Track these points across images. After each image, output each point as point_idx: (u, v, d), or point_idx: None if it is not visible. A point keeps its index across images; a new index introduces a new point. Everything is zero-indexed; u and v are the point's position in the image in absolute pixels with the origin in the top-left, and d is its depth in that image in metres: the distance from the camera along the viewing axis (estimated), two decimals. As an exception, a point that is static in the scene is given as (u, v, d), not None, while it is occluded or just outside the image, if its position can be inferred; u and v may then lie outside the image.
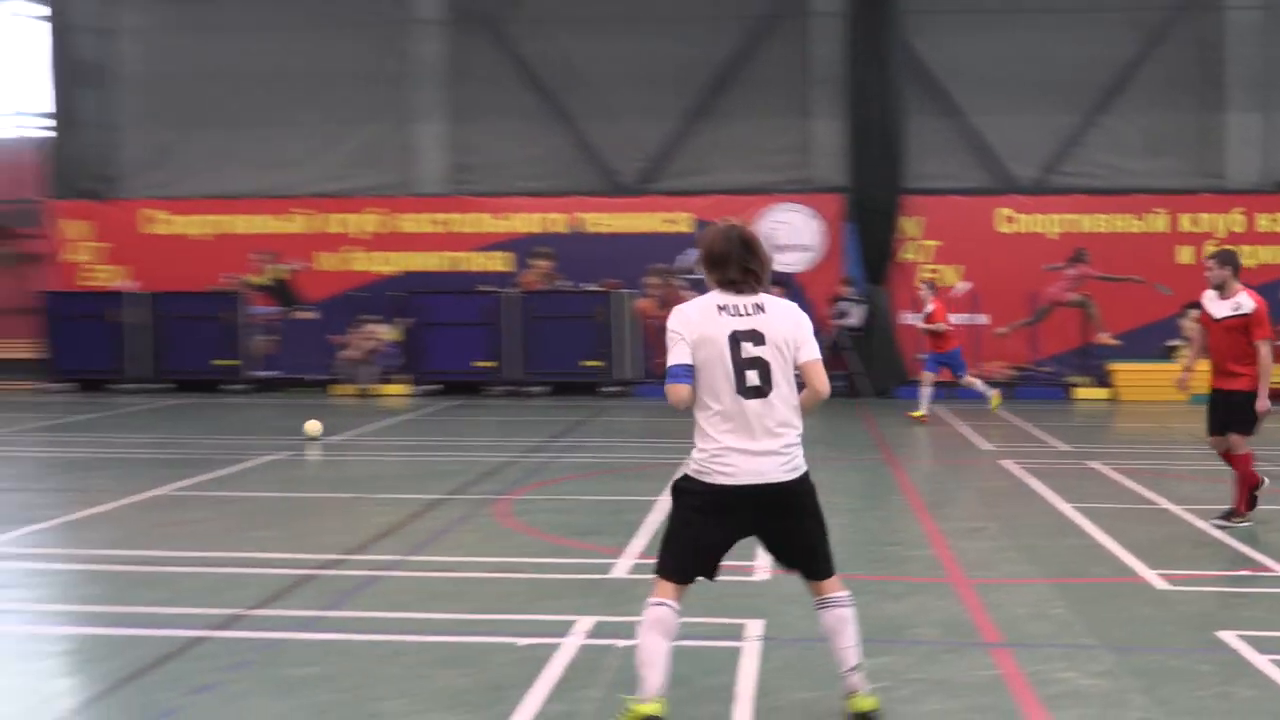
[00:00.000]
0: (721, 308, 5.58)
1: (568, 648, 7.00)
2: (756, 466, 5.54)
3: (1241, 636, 7.24)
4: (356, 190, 25.97)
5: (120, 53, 26.76)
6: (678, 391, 5.54)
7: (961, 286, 24.28)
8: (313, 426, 16.44)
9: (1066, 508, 11.70)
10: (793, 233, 24.52)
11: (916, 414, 19.11)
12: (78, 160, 26.71)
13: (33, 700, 6.28)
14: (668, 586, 5.71)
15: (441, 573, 8.84)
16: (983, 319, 24.31)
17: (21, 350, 26.64)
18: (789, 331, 5.65)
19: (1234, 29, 24.31)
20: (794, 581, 8.58)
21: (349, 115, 25.97)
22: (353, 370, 24.59)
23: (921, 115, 24.60)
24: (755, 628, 7.44)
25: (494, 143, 25.73)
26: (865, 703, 5.73)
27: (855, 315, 23.64)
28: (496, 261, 25.13)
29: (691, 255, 24.44)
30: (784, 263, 24.35)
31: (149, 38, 26.65)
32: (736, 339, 5.52)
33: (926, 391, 19.37)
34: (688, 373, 5.51)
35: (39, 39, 27.13)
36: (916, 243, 24.49)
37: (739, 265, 5.62)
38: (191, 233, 26.14)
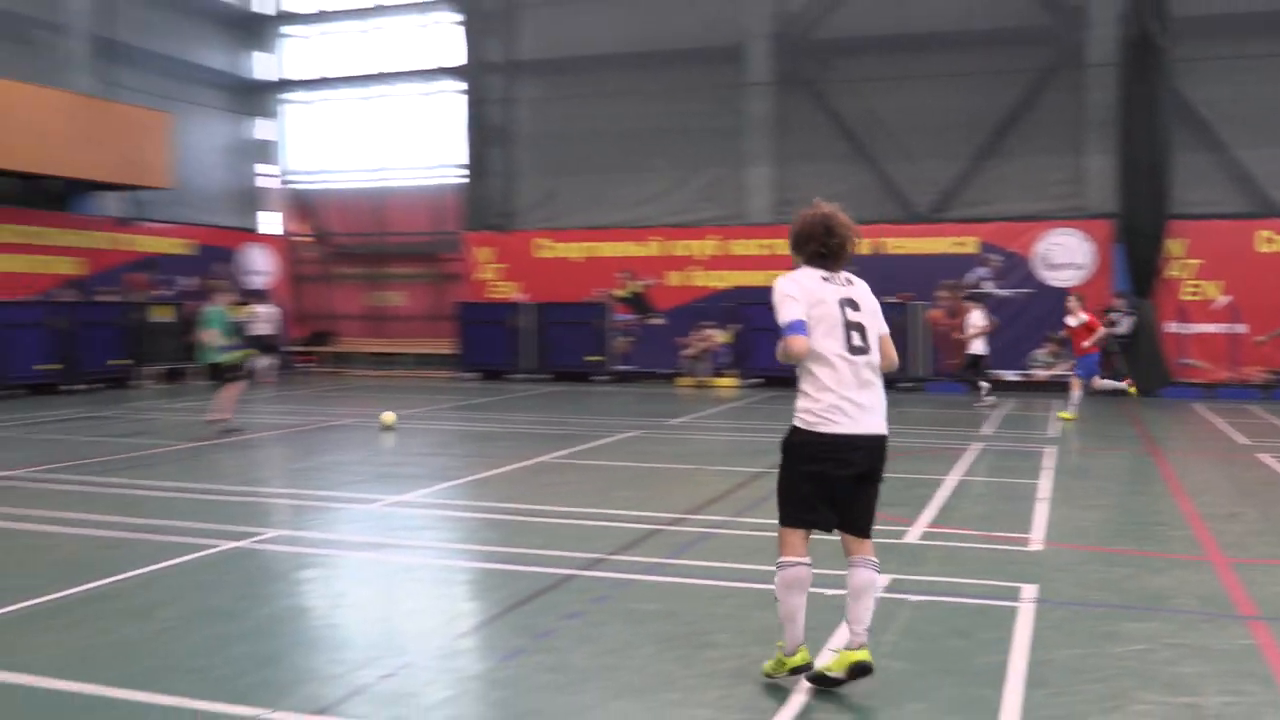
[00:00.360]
0: (825, 279, 5.30)
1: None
2: (866, 418, 5.21)
3: None
4: (699, 221, 26.34)
5: (518, 118, 28.04)
6: (799, 343, 5.11)
7: (1221, 300, 22.50)
8: (388, 417, 15.93)
9: (1322, 498, 10.66)
10: (1066, 253, 23.34)
11: (1066, 415, 17.40)
12: (485, 201, 28.18)
13: (444, 617, 6.64)
14: (796, 539, 5.29)
15: (763, 532, 8.82)
16: (1241, 328, 22.42)
17: (442, 347, 28.40)
18: (874, 305, 5.38)
19: None
20: (1065, 553, 8.21)
21: (694, 162, 26.39)
22: (692, 366, 25.00)
23: (1186, 150, 22.88)
24: (1030, 591, 7.09)
25: (810, 181, 25.46)
26: (864, 655, 5.24)
27: (1124, 324, 22.25)
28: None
29: (979, 272, 23.66)
30: (1057, 279, 23.25)
31: (539, 106, 27.82)
32: (843, 304, 5.24)
33: (1076, 395, 17.76)
34: (805, 327, 5.13)
35: (458, 109, 28.76)
36: (1181, 261, 22.80)
37: (826, 242, 5.37)
38: (570, 256, 27.13)
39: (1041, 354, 23.44)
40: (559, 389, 23.97)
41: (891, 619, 6.45)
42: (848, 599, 5.38)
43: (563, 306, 26.18)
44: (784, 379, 23.77)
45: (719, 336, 25.01)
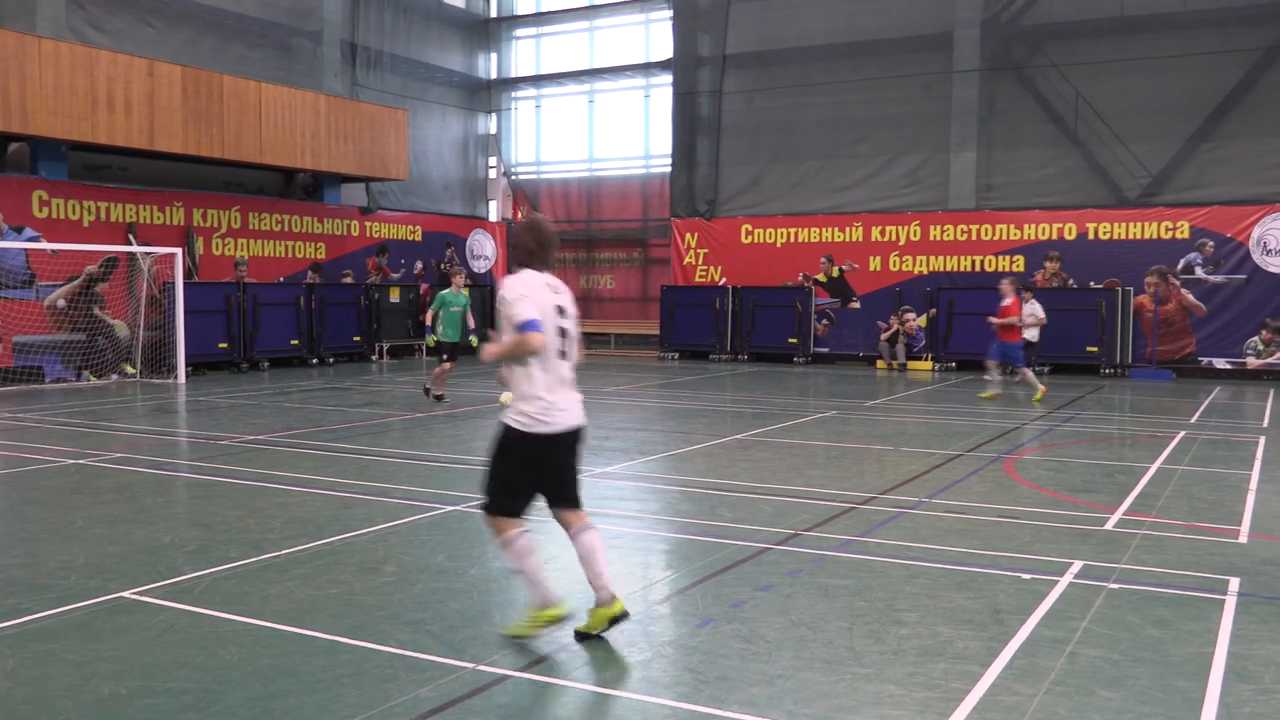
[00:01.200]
0: (547, 283, 5.46)
1: (1061, 584, 6.57)
2: (571, 415, 5.47)
3: None
4: (900, 207, 25.65)
5: (725, 109, 27.97)
6: (538, 339, 5.27)
7: None
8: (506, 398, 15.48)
9: None
10: (1282, 238, 21.68)
11: (987, 395, 17.32)
12: (692, 189, 28.26)
13: (641, 584, 6.71)
14: (510, 520, 5.49)
15: (954, 514, 8.58)
16: None
17: (648, 328, 28.72)
18: (573, 310, 5.60)
19: None
20: (1274, 546, 7.64)
21: (897, 148, 25.71)
22: (889, 349, 24.46)
23: None
24: (1234, 584, 6.64)
25: (1015, 166, 24.56)
26: (618, 607, 5.54)
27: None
28: (1012, 263, 24.01)
29: (1192, 258, 22.23)
30: (1275, 265, 21.60)
31: (746, 97, 27.65)
32: (556, 309, 5.45)
33: (994, 376, 17.79)
34: (540, 325, 5.28)
35: (669, 101, 28.92)
36: None
37: (547, 249, 5.57)
38: (772, 241, 26.93)
39: (1258, 341, 21.85)
40: (758, 369, 23.87)
41: (1087, 605, 6.15)
42: (582, 565, 5.56)
43: (764, 290, 26.04)
44: (977, 363, 23.13)
45: (916, 320, 24.38)
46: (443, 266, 28.06)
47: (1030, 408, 16.37)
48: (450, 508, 8.67)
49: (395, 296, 25.89)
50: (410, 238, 27.96)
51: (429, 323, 15.92)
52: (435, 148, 30.50)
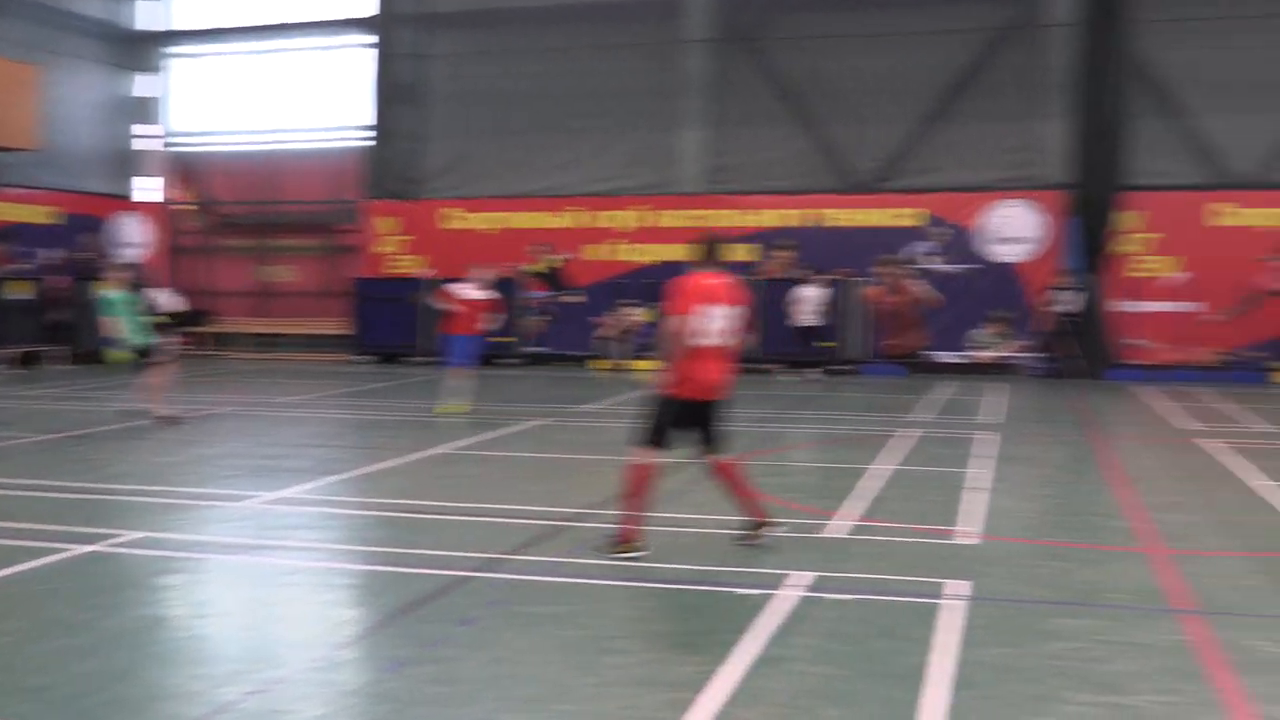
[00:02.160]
0: None
1: (783, 599, 6.88)
2: None
3: None
4: (622, 190, 26.24)
5: (430, 75, 27.70)
6: None
7: (1178, 277, 23.02)
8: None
9: (1266, 485, 10.92)
10: (1015, 226, 23.68)
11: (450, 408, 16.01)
12: (389, 166, 27.83)
13: (322, 626, 6.52)
14: None
15: (674, 528, 8.81)
16: (1195, 307, 22.95)
17: (335, 327, 28.04)
18: None
19: None
20: (1000, 546, 8.32)
21: (619, 124, 26.25)
22: (609, 348, 24.92)
23: (1144, 116, 23.33)
24: (962, 587, 7.16)
25: (746, 147, 25.60)
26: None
27: (1075, 303, 22.63)
28: (742, 253, 25.01)
29: (920, 246, 23.90)
30: (1006, 254, 23.58)
31: (454, 62, 27.49)
32: None
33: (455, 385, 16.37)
34: None
35: (364, 64, 28.28)
36: (1133, 236, 23.26)
37: None
38: (480, 227, 26.91)
39: (984, 334, 23.75)
40: (467, 373, 23.73)
41: (811, 620, 6.47)
42: None
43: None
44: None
45: (640, 316, 24.91)
46: (92, 257, 26.37)
47: (765, 406, 17.06)
48: (86, 548, 8.13)
49: (20, 291, 24.06)
50: (47, 221, 26.12)
51: (112, 332, 14.86)
52: (74, 112, 28.59)
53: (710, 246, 8.11)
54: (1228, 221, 22.94)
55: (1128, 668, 5.74)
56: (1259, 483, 11.09)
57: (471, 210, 26.97)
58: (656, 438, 7.85)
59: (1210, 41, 23.20)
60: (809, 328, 22.09)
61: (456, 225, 27.06)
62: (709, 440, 7.97)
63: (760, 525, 8.04)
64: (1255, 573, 7.62)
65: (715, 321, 7.83)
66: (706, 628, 6.37)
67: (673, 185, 25.95)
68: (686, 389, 7.81)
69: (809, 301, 21.82)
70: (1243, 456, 12.68)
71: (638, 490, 7.83)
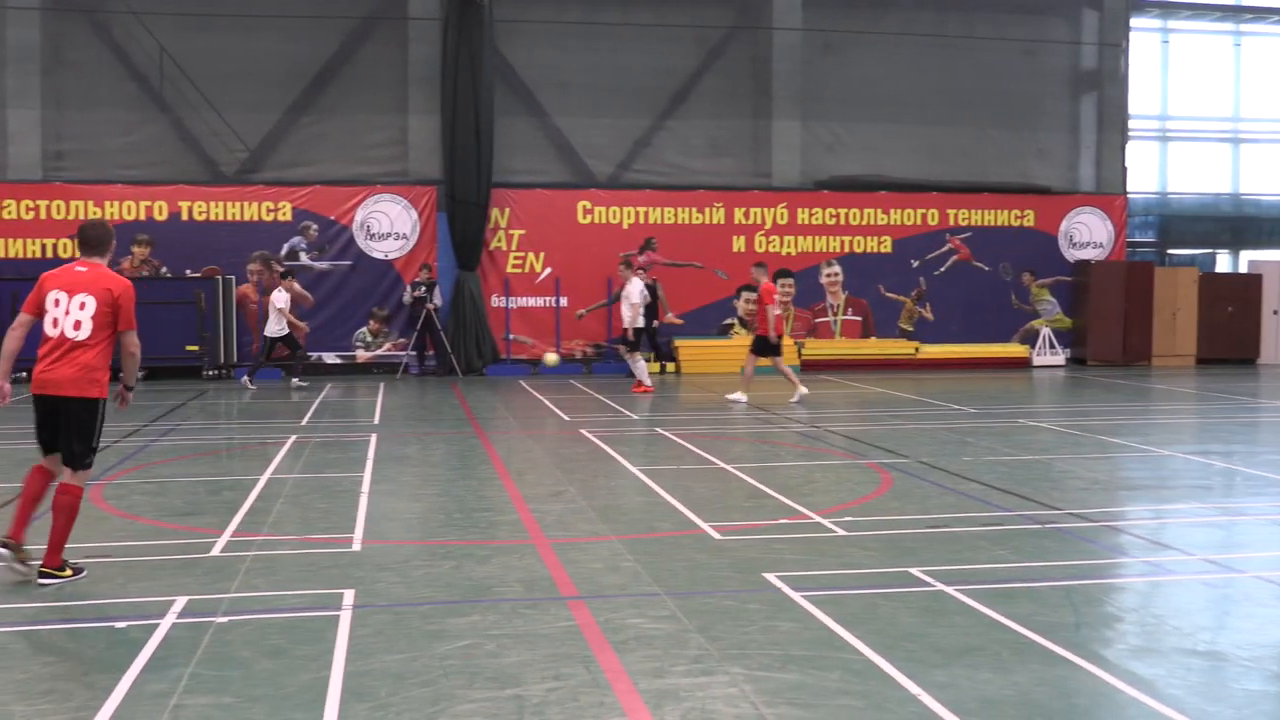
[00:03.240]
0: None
1: (164, 626, 6.59)
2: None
3: (781, 577, 7.68)
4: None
5: None
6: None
7: (544, 273, 24.72)
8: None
9: (638, 470, 12.07)
10: (389, 222, 24.16)
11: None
12: None
13: None
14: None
15: (34, 561, 8.14)
16: (564, 302, 24.81)
17: None
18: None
19: (780, 48, 25.71)
20: (388, 550, 8.51)
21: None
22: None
23: (511, 116, 24.81)
24: (350, 596, 7.25)
25: (92, 130, 23.93)
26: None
27: (434, 298, 23.57)
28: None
29: (295, 242, 23.72)
30: (381, 251, 24.02)
31: None
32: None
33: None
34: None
35: None
36: (505, 232, 24.67)
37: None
38: None
39: (365, 332, 24.10)
40: None
41: (193, 646, 6.25)
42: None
43: None
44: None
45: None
46: None
47: (130, 420, 16.14)
48: None
49: None
50: None
51: None
52: None
53: (82, 235, 7.93)
54: (588, 219, 24.99)
55: (520, 658, 6.12)
56: (632, 468, 12.23)
57: None
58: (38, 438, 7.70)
59: (569, 45, 25.15)
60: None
61: None
62: (58, 446, 7.64)
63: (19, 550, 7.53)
64: (630, 555, 8.40)
65: (64, 314, 7.54)
66: (79, 668, 5.95)
67: (4, 171, 23.61)
68: (34, 385, 7.58)
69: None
70: (622, 444, 13.92)
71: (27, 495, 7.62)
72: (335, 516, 9.77)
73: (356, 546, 8.67)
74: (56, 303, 7.55)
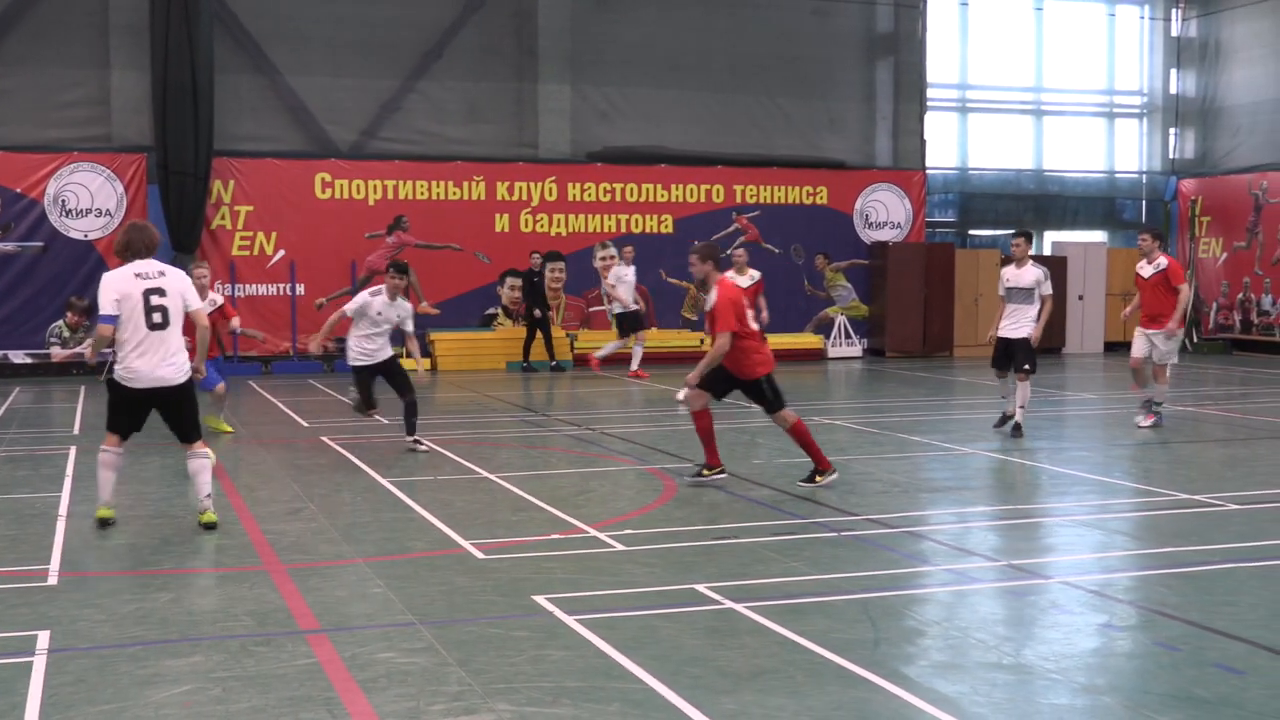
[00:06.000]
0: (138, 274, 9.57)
1: None
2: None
3: (552, 599, 7.73)
4: None
5: None
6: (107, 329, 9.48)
7: (278, 255, 24.20)
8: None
9: (388, 483, 11.96)
10: (89, 196, 23.25)
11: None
12: None
13: None
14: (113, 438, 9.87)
15: None
16: (300, 289, 24.32)
17: None
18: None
19: (547, 1, 25.78)
20: (92, 582, 8.21)
21: None
22: None
23: (235, 73, 24.19)
24: (46, 639, 6.95)
25: None
26: (210, 517, 9.80)
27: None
28: None
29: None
30: (79, 229, 23.08)
31: None
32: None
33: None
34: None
35: None
36: (228, 208, 24.02)
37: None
38: None
39: (62, 325, 23.15)
40: None
41: None
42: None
43: None
44: None
45: None
46: None
47: None
48: None
49: None
50: None
51: None
52: None
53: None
54: (328, 194, 24.53)
55: (252, 703, 5.98)
56: (381, 480, 12.11)
57: None
58: None
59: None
60: None
61: None
62: None
63: None
64: (379, 579, 8.31)
65: None
66: None
67: None
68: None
69: None
70: (373, 455, 13.73)
71: None
72: (26, 545, 9.38)
73: (53, 580, 8.35)
74: None
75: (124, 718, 5.81)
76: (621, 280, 22.51)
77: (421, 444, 13.93)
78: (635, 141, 26.80)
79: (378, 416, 14.86)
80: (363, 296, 13.81)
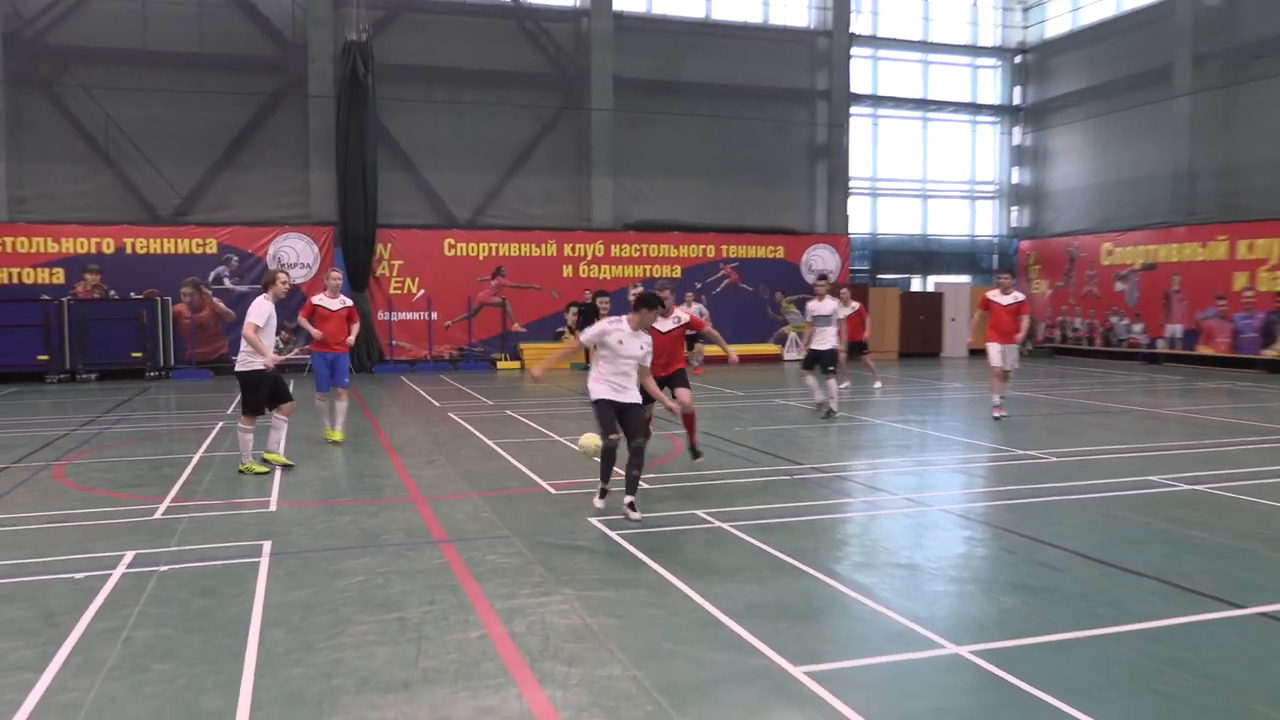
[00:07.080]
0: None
1: (114, 577, 6.28)
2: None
3: (600, 520, 7.75)
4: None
5: None
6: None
7: (419, 294, 24.29)
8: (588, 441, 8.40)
9: (492, 443, 11.99)
10: (295, 254, 23.37)
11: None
12: None
13: None
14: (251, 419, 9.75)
15: (3, 527, 7.65)
16: (434, 315, 24.43)
17: None
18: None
19: (596, 123, 25.78)
20: (297, 510, 8.28)
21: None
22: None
23: (391, 171, 24.28)
24: (268, 547, 7.03)
25: (48, 180, 22.49)
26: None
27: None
28: (52, 276, 22.02)
29: (220, 270, 22.74)
30: (291, 278, 23.15)
31: None
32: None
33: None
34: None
35: None
36: (388, 262, 24.15)
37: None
38: None
39: (278, 340, 23.20)
40: None
41: (139, 591, 5.98)
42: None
43: None
44: (29, 374, 20.91)
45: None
46: None
47: (85, 412, 15.27)
48: None
49: None
50: None
51: None
52: None
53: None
54: (452, 252, 24.64)
55: (402, 589, 6.04)
56: (488, 441, 12.14)
57: None
58: None
59: (436, 117, 24.72)
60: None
61: None
62: None
63: None
64: (486, 507, 8.35)
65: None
66: (44, 612, 5.62)
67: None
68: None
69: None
70: (482, 425, 13.78)
71: None
72: (254, 485, 9.44)
73: (273, 508, 8.42)
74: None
75: (320, 597, 5.87)
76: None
77: (635, 510, 7.82)
78: (656, 216, 26.74)
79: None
80: (600, 324, 8.30)
